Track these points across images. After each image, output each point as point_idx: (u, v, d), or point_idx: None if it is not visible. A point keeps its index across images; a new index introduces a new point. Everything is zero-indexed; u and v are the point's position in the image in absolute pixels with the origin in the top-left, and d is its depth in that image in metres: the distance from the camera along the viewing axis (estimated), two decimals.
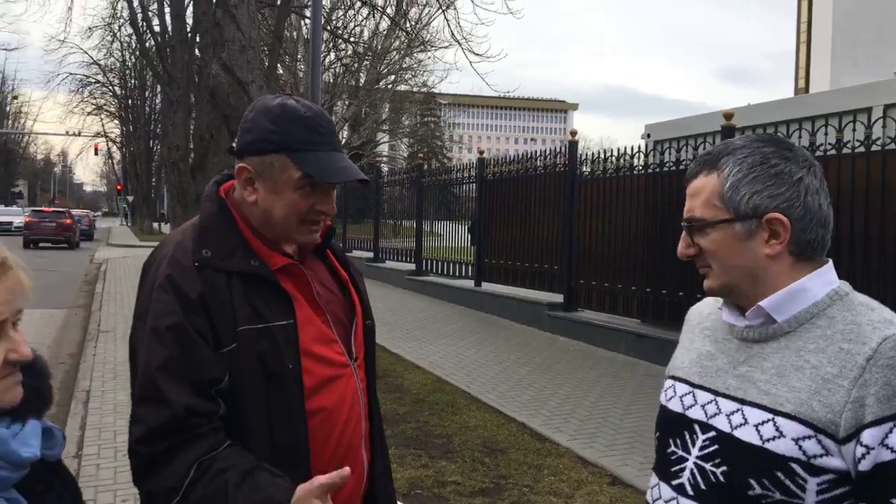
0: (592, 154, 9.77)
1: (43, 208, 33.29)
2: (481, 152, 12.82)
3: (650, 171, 8.55)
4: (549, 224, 10.42)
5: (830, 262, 1.18)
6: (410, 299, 13.01)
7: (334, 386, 1.45)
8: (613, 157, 9.20)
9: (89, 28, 26.28)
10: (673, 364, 1.33)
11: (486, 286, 11.96)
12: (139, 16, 19.11)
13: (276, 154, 1.39)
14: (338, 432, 1.45)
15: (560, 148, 10.44)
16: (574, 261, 9.77)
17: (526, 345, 9.16)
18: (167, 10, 19.56)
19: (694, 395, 1.22)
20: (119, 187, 58.22)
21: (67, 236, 28.67)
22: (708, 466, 1.13)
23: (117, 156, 55.41)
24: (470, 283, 12.37)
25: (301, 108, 1.43)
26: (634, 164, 8.81)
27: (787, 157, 1.16)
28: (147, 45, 20.38)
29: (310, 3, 19.86)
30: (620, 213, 8.97)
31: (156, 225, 47.25)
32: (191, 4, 18.57)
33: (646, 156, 8.77)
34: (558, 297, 10.09)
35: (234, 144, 1.49)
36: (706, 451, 1.15)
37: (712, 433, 1.15)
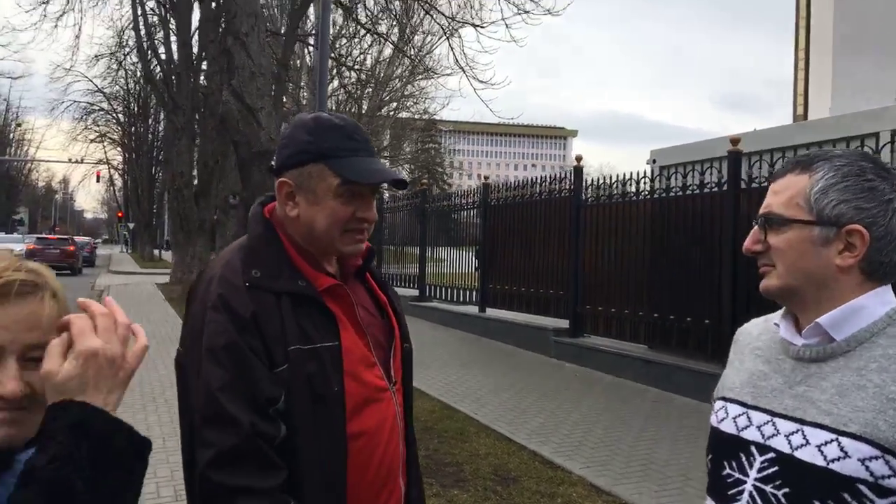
0: (597, 179, 9.80)
1: (48, 235, 33.89)
2: (486, 178, 12.87)
3: (657, 196, 8.57)
4: (554, 249, 10.41)
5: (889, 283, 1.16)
6: (414, 325, 12.87)
7: (375, 409, 1.44)
8: (619, 183, 9.23)
9: (95, 56, 26.44)
10: (722, 385, 1.31)
11: (491, 312, 11.92)
12: (145, 44, 19.33)
13: (314, 164, 1.42)
14: (378, 455, 1.43)
15: (564, 173, 10.49)
16: (580, 286, 9.75)
17: (532, 371, 9.10)
18: (173, 38, 19.84)
19: (748, 416, 1.19)
20: (120, 214, 58.37)
21: (70, 263, 29.10)
22: (768, 489, 1.11)
23: (119, 183, 55.67)
24: (474, 309, 12.34)
25: (335, 118, 1.48)
26: (640, 190, 8.83)
27: (882, 176, 1.15)
28: (153, 72, 20.59)
29: (314, 32, 20.14)
30: (626, 238, 8.97)
31: (157, 252, 47.31)
32: (196, 33, 18.85)
33: (652, 181, 8.79)
34: (564, 323, 10.06)
35: (272, 164, 1.51)
36: (765, 472, 1.12)
37: (771, 454, 1.13)
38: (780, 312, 1.25)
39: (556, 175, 10.88)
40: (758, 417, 1.18)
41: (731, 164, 7.40)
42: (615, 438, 6.14)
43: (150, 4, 19.89)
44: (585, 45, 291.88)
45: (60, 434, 0.86)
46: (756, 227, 1.20)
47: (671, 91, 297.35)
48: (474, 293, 12.61)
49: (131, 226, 52.09)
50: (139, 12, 19.17)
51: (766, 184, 7.11)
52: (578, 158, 10.01)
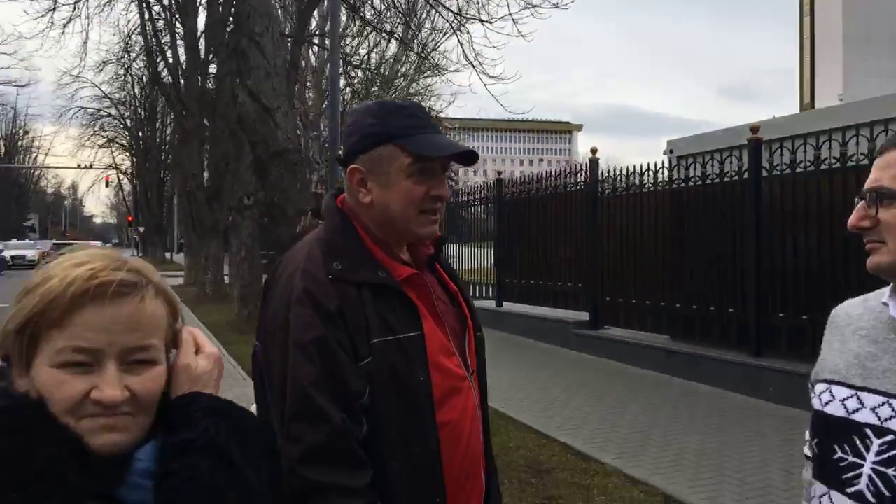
0: (613, 171, 9.77)
1: (66, 241, 35.03)
2: (499, 173, 12.86)
3: (676, 186, 8.53)
4: (571, 242, 10.39)
5: None
6: None
7: (457, 399, 1.42)
8: (636, 174, 9.20)
9: (103, 62, 26.40)
10: (822, 368, 1.28)
11: (508, 306, 11.91)
12: (154, 47, 19.38)
13: (383, 145, 1.40)
14: (463, 446, 1.42)
15: (580, 166, 10.47)
16: (599, 278, 9.73)
17: (554, 364, 9.08)
18: (179, 42, 19.87)
19: (859, 398, 1.17)
20: (130, 218, 58.54)
21: None
22: (890, 472, 1.08)
23: (128, 187, 55.81)
24: (491, 304, 12.33)
25: (397, 101, 1.50)
26: (659, 180, 8.80)
27: None
28: (161, 75, 20.64)
29: (318, 33, 20.07)
30: (646, 229, 8.94)
31: (168, 255, 47.47)
32: (202, 37, 18.86)
33: (670, 171, 8.76)
34: (583, 316, 10.03)
35: (339, 154, 1.50)
36: (885, 455, 1.10)
37: (891, 437, 1.10)
38: (882, 292, 1.23)
39: (571, 168, 10.86)
40: (871, 399, 1.15)
41: (751, 152, 7.36)
42: (645, 429, 6.12)
43: (157, 9, 19.90)
44: (586, 38, 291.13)
45: (199, 415, 0.93)
46: (862, 203, 1.18)
47: (673, 83, 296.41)
48: (490, 288, 12.60)
49: (141, 229, 52.27)
50: (146, 17, 19.21)
51: (787, 171, 7.08)
52: (594, 150, 9.98)
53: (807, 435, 1.31)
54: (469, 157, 1.45)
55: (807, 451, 1.32)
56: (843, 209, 6.44)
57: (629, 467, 5.14)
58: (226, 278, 18.64)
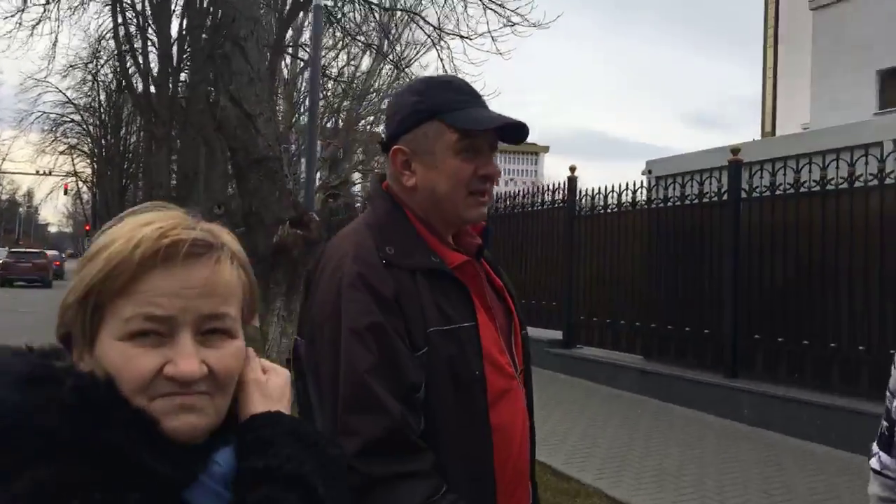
0: (592, 190, 9.82)
1: (21, 249, 34.89)
2: None
3: (654, 206, 8.59)
4: (547, 260, 10.39)
5: None
6: None
7: (508, 399, 1.34)
8: (615, 193, 9.25)
9: (70, 66, 25.74)
10: None
11: None
12: (125, 51, 19.05)
13: (428, 122, 1.32)
14: (515, 450, 1.33)
15: (557, 184, 10.50)
16: (574, 297, 9.72)
17: None
18: (151, 48, 19.55)
19: None
20: (88, 227, 57.12)
21: (42, 275, 29.39)
22: None
23: (87, 196, 54.54)
24: None
25: (441, 75, 1.46)
26: (637, 200, 8.85)
27: None
28: (132, 81, 20.27)
29: (292, 44, 19.95)
30: (622, 248, 8.97)
31: None
32: (175, 43, 18.58)
33: (649, 191, 8.82)
34: (557, 334, 10.00)
35: (382, 138, 1.42)
36: None
37: None
38: None
39: (545, 186, 10.89)
40: None
41: (731, 174, 7.44)
42: (623, 448, 6.08)
43: (130, 13, 19.56)
44: (554, 61, 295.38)
45: (282, 439, 0.82)
46: None
47: (637, 108, 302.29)
48: None
49: None
50: (119, 21, 18.86)
51: (767, 193, 7.17)
52: (573, 169, 10.02)
53: (874, 448, 1.26)
54: (519, 133, 1.36)
55: (874, 464, 1.26)
56: (822, 232, 6.55)
57: (610, 487, 5.09)
58: None
